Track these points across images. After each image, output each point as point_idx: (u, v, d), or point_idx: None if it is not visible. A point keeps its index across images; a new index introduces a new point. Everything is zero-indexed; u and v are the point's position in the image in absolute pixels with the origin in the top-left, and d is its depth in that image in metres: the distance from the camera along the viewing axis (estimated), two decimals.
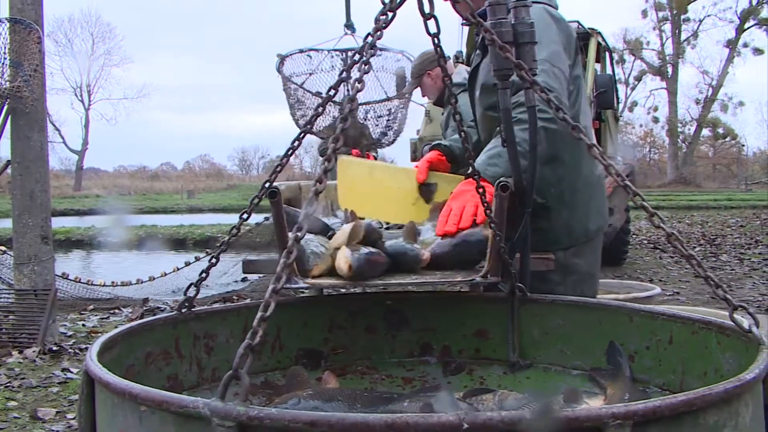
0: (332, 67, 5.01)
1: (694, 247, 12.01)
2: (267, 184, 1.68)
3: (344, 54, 5.01)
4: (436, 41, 1.62)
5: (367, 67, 1.34)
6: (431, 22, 1.56)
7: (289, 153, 1.64)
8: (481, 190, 1.93)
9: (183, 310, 1.70)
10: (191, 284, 1.66)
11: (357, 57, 1.44)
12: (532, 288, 2.06)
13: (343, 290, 2.89)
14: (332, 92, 1.57)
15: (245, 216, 1.64)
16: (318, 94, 5.08)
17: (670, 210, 22.06)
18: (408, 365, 2.01)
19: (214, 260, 1.64)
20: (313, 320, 1.98)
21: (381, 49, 5.04)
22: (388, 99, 5.07)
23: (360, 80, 1.32)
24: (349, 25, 5.20)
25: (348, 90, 5.12)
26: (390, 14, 1.41)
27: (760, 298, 7.72)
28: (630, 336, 1.83)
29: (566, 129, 1.49)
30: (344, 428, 0.98)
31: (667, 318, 1.76)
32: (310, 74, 4.98)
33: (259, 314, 1.11)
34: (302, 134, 1.62)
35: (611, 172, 1.38)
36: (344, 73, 1.53)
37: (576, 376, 1.89)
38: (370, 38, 1.43)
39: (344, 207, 2.44)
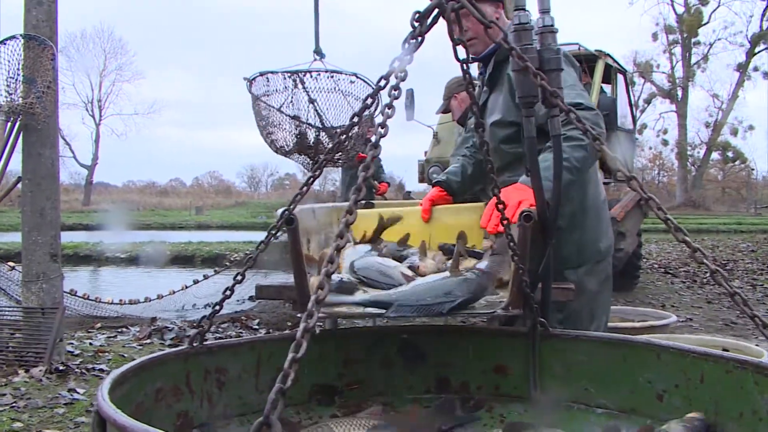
0: (285, 87, 5.26)
1: (706, 272, 11.88)
2: (286, 212, 1.63)
3: (295, 75, 5.25)
4: (465, 67, 1.57)
5: (397, 92, 1.29)
6: (461, 48, 1.51)
7: (311, 181, 1.59)
8: (501, 206, 1.88)
9: (195, 344, 1.64)
10: (204, 317, 1.60)
11: (383, 83, 1.38)
12: (554, 311, 2.03)
13: (359, 323, 2.84)
14: (355, 119, 1.52)
15: (263, 246, 1.59)
16: (296, 117, 5.26)
17: None
18: (425, 402, 1.94)
19: (228, 292, 1.59)
20: (327, 354, 1.92)
21: (334, 72, 5.25)
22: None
23: (390, 106, 1.27)
24: (318, 51, 5.41)
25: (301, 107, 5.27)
26: (419, 38, 1.36)
27: None
28: (658, 374, 1.76)
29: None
30: None
31: (698, 356, 1.69)
32: (267, 95, 5.25)
33: (290, 356, 1.05)
34: (324, 162, 1.57)
35: (653, 206, 1.32)
36: (369, 99, 1.47)
37: (600, 414, 1.82)
38: (397, 63, 1.38)
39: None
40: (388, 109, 1.32)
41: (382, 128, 1.29)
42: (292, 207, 1.61)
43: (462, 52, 1.53)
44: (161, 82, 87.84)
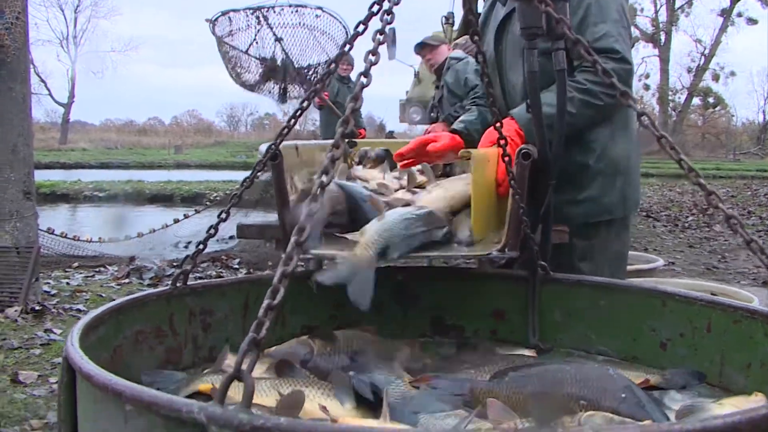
0: (248, 25, 5.17)
1: (687, 217, 11.93)
2: (271, 148, 1.52)
3: (258, 12, 5.15)
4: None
5: (382, 36, 1.19)
6: None
7: (298, 114, 1.48)
8: (503, 142, 1.78)
9: (178, 285, 1.54)
10: (187, 256, 1.50)
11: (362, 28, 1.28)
12: (575, 269, 1.93)
13: None
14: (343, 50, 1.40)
15: (248, 183, 1.48)
16: (263, 59, 5.18)
17: (660, 178, 21.93)
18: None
19: (212, 231, 1.49)
20: (318, 295, 1.82)
21: (298, 6, 5.15)
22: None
23: (374, 52, 1.16)
24: None
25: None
26: None
27: (755, 270, 7.62)
28: (662, 322, 1.69)
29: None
30: None
31: (705, 304, 1.63)
32: (231, 34, 5.17)
33: (265, 302, 0.94)
34: (312, 95, 1.46)
35: (666, 145, 1.23)
36: (360, 25, 1.35)
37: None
38: (387, 3, 1.26)
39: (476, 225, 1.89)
40: (380, 35, 1.21)
41: (372, 55, 1.18)
42: (278, 142, 1.50)
43: None
44: (138, 19, 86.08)
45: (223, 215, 1.52)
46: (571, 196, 2.18)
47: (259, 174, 1.56)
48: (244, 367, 0.92)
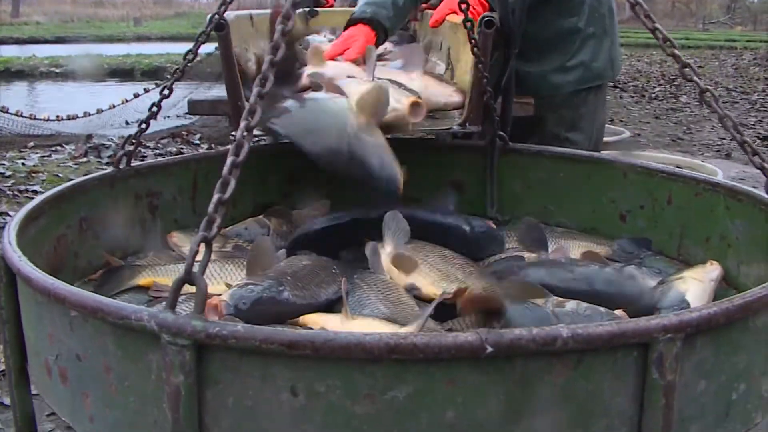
0: None
1: (654, 87, 11.88)
2: (215, 17, 1.42)
3: None
4: None
5: None
6: None
7: None
8: (464, 6, 1.69)
9: (120, 167, 1.47)
10: (129, 136, 1.43)
11: None
12: (562, 141, 1.90)
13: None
14: None
15: (191, 56, 1.39)
16: None
17: (628, 48, 21.59)
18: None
19: (155, 108, 1.41)
20: (269, 172, 1.77)
21: None
22: None
23: None
24: None
25: None
26: None
27: (719, 141, 7.66)
28: (622, 193, 1.68)
29: None
30: (332, 351, 0.79)
31: (666, 176, 1.60)
32: None
33: (215, 197, 0.88)
34: None
35: (640, 12, 1.16)
36: None
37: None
38: None
39: None
40: None
41: None
42: (221, 10, 1.40)
43: None
44: None
45: (166, 91, 1.44)
46: (559, 62, 2.09)
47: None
48: (196, 269, 0.86)
